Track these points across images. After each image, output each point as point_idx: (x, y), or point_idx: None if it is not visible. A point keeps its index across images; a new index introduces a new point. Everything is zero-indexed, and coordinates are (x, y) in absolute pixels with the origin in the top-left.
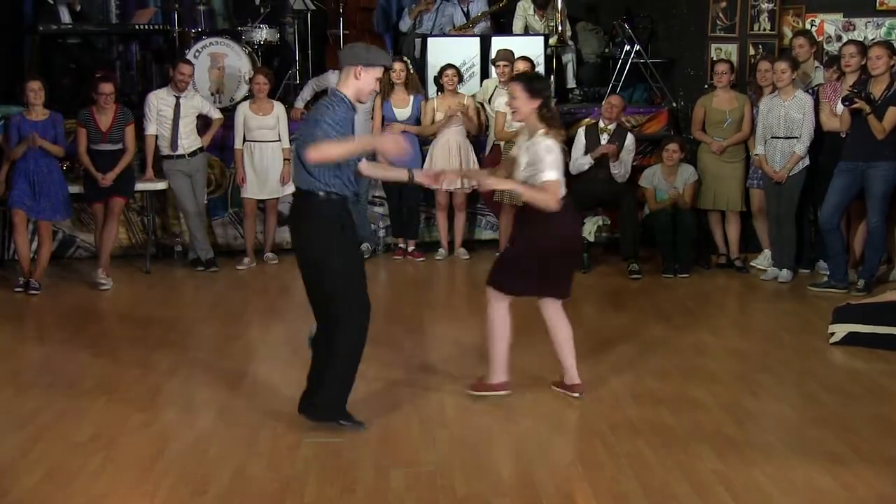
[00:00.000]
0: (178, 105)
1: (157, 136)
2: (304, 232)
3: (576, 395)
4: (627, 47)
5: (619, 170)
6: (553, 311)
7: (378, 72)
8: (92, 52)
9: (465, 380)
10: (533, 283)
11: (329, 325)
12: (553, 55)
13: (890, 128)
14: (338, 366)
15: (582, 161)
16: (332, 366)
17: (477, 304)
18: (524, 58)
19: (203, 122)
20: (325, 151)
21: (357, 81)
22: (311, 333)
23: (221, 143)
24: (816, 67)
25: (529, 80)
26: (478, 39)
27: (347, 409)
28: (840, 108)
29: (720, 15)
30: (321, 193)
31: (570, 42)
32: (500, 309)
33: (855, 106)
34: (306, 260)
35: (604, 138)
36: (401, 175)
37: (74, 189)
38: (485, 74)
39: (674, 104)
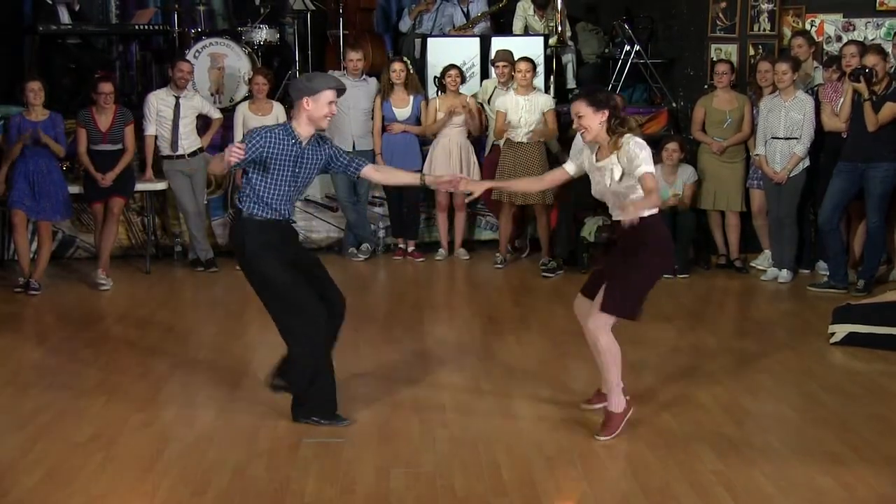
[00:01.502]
0: (177, 105)
1: (156, 137)
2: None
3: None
4: (627, 47)
5: None
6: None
7: (328, 95)
8: (91, 52)
9: (465, 380)
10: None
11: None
12: (553, 55)
13: (883, 121)
14: (296, 375)
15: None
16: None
17: (477, 305)
18: (525, 58)
19: (203, 123)
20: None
21: (308, 110)
22: None
23: (221, 144)
24: (816, 67)
25: (590, 94)
26: (478, 40)
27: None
28: (840, 105)
29: (720, 15)
30: (244, 214)
31: (570, 42)
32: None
33: (858, 85)
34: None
35: None
36: (413, 179)
37: (74, 189)
38: (485, 75)
39: (674, 104)
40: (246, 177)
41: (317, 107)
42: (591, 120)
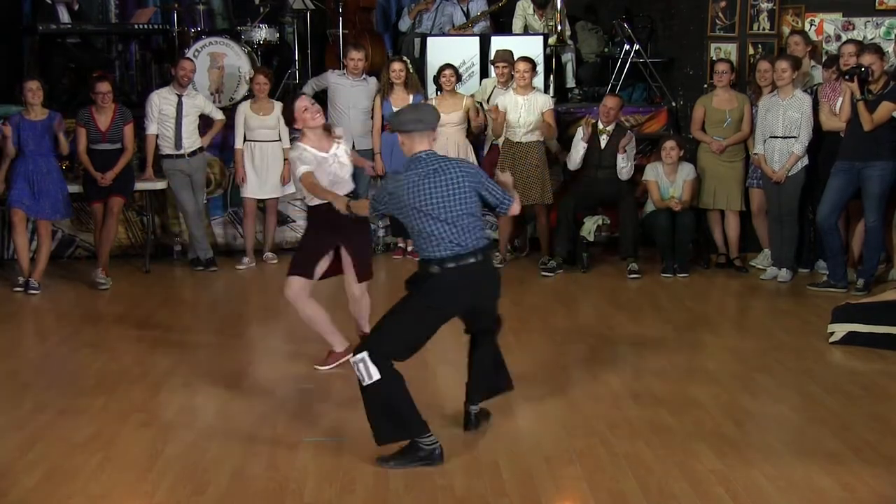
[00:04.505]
0: (180, 104)
1: (157, 136)
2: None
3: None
4: (627, 47)
5: (626, 165)
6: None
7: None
8: (91, 51)
9: (464, 379)
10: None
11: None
12: (552, 55)
13: (879, 121)
14: None
15: (576, 150)
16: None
17: None
18: (525, 58)
19: (204, 123)
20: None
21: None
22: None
23: (221, 143)
24: (813, 66)
25: None
26: (477, 39)
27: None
28: (839, 105)
29: (720, 14)
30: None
31: (570, 42)
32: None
33: (850, 84)
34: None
35: (603, 139)
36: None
37: (74, 189)
38: (484, 74)
39: (673, 104)
40: (479, 214)
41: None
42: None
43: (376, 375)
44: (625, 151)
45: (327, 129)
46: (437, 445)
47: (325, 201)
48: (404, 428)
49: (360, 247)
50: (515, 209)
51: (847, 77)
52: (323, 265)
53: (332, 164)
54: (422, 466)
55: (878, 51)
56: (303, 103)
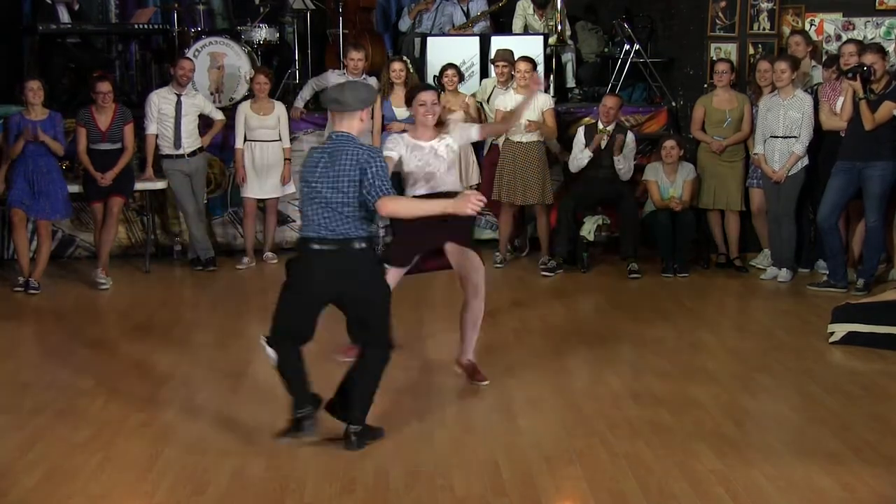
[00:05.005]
0: (179, 103)
1: (157, 136)
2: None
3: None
4: (627, 47)
5: (623, 165)
6: None
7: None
8: (91, 51)
9: (464, 379)
10: None
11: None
12: (552, 55)
13: (880, 121)
14: (377, 377)
15: (581, 156)
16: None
17: None
18: (525, 58)
19: (204, 123)
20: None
21: (364, 122)
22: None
23: (221, 143)
24: (814, 66)
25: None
26: (477, 39)
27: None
28: (839, 105)
29: (720, 14)
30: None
31: (570, 41)
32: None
33: (853, 83)
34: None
35: (603, 140)
36: None
37: (74, 188)
38: (484, 74)
39: (673, 104)
40: (356, 203)
41: (368, 118)
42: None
43: (274, 356)
44: (620, 153)
45: (440, 123)
46: (303, 412)
47: (426, 192)
48: (294, 403)
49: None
50: (381, 209)
51: (850, 76)
52: (422, 260)
53: (426, 153)
54: (300, 436)
55: (880, 50)
56: (425, 97)
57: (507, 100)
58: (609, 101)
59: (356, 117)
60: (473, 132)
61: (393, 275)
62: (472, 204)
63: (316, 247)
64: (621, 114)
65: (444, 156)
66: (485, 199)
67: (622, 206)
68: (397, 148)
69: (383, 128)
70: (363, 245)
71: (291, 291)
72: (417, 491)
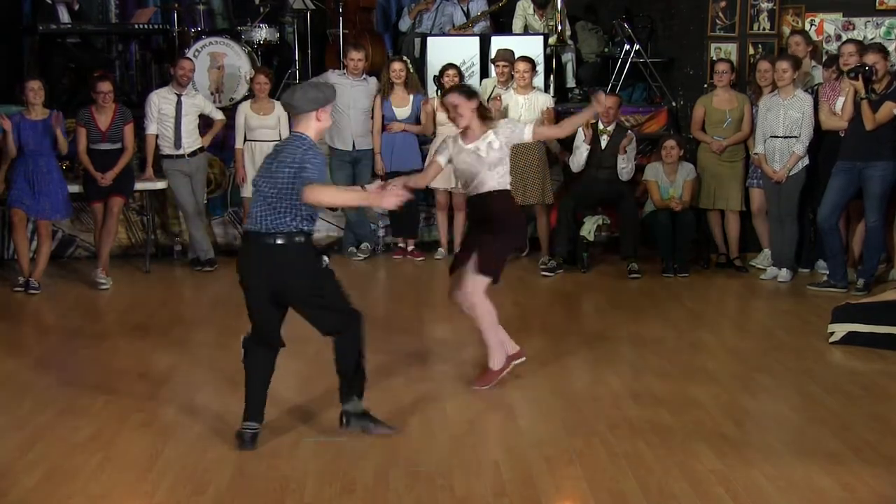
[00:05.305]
0: (179, 103)
1: (157, 136)
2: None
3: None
4: (627, 47)
5: (626, 165)
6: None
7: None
8: (91, 51)
9: (465, 379)
10: None
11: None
12: (553, 55)
13: (881, 121)
14: (354, 354)
15: (579, 151)
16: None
17: None
18: (525, 57)
19: (204, 123)
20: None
21: (321, 122)
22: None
23: (222, 143)
24: (814, 67)
25: (462, 88)
26: (477, 39)
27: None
28: (839, 105)
29: (720, 14)
30: (302, 233)
31: (570, 41)
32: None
33: (856, 83)
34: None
35: (604, 139)
36: (358, 198)
37: (74, 188)
38: (484, 74)
39: (673, 104)
40: (290, 198)
41: (326, 116)
42: (465, 108)
43: (241, 355)
44: (626, 152)
45: (484, 116)
46: (245, 430)
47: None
48: (244, 413)
49: (497, 239)
50: (306, 197)
51: (851, 75)
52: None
53: (470, 154)
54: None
55: (881, 50)
56: (448, 100)
57: (506, 100)
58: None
59: (311, 118)
60: (526, 133)
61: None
62: (393, 198)
63: (253, 240)
64: (621, 114)
65: (484, 155)
66: (406, 195)
67: (622, 206)
68: (445, 152)
69: (383, 128)
70: (301, 239)
71: (242, 287)
72: (417, 491)
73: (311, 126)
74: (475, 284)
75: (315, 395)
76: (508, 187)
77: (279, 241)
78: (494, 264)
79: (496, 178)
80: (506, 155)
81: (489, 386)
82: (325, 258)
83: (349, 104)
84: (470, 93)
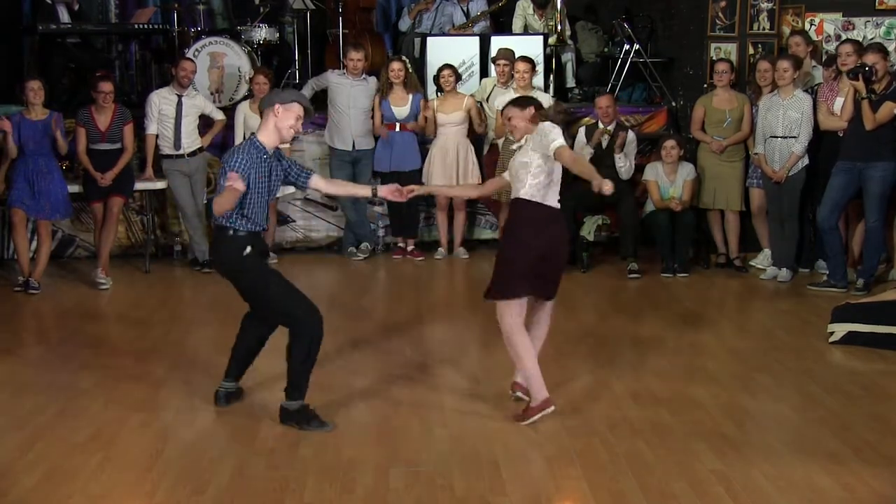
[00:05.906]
0: (179, 104)
1: (157, 136)
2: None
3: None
4: (627, 47)
5: (624, 164)
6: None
7: (297, 109)
8: (91, 51)
9: (464, 379)
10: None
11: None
12: (552, 55)
13: (881, 121)
14: (300, 351)
15: (583, 153)
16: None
17: (476, 304)
18: (525, 57)
19: (204, 123)
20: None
21: (277, 118)
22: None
23: (222, 143)
24: (814, 66)
25: (517, 100)
26: (477, 39)
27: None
28: (837, 105)
29: (719, 14)
30: (230, 230)
31: (570, 41)
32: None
33: (856, 83)
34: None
35: (604, 140)
36: (364, 191)
37: (74, 188)
38: (484, 74)
39: (673, 104)
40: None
41: (286, 115)
42: (519, 119)
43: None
44: (622, 150)
45: (541, 115)
46: (219, 388)
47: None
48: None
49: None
50: (312, 184)
51: (852, 75)
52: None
53: (515, 158)
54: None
55: (881, 50)
56: (507, 113)
57: (506, 100)
58: (603, 102)
59: (269, 115)
60: (552, 146)
61: (516, 311)
62: (398, 194)
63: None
64: (620, 113)
65: (524, 158)
66: (405, 190)
67: (622, 206)
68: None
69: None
70: (232, 233)
71: None
72: (417, 491)
73: (269, 124)
74: (497, 309)
75: (315, 394)
76: (536, 199)
77: (226, 234)
78: (491, 283)
79: (527, 187)
80: (529, 163)
81: (528, 422)
82: (247, 251)
83: (349, 104)
84: (524, 103)
